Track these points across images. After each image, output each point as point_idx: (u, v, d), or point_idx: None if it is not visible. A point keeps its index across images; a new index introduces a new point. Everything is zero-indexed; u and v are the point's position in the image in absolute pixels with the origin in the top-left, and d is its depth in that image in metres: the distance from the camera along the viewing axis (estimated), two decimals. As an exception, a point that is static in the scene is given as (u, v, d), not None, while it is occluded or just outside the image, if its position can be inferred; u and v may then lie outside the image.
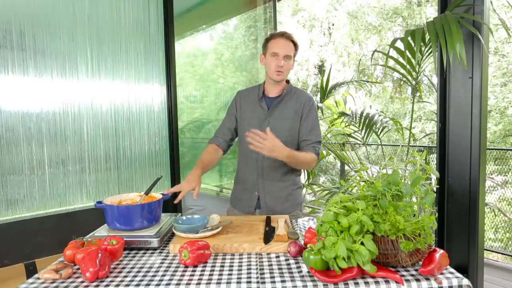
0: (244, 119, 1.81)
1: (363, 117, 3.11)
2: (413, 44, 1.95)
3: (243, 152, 1.84)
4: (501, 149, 5.20)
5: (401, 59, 2.27)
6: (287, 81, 1.84)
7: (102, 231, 1.33)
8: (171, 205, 1.56)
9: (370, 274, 0.99)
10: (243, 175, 1.84)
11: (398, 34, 11.88)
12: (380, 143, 3.26)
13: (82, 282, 1.01)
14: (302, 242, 1.25)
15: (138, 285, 0.99)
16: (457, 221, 1.83)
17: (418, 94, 2.58)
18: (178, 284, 0.99)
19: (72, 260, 1.14)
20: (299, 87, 2.53)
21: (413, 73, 2.34)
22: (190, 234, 1.27)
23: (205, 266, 1.11)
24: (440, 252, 1.04)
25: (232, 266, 1.11)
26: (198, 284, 0.99)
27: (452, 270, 1.04)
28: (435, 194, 1.09)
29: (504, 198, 4.69)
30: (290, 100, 1.76)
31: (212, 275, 1.04)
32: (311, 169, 2.30)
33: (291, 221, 1.55)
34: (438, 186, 1.88)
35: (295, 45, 1.73)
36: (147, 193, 1.44)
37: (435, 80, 2.22)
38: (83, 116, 2.16)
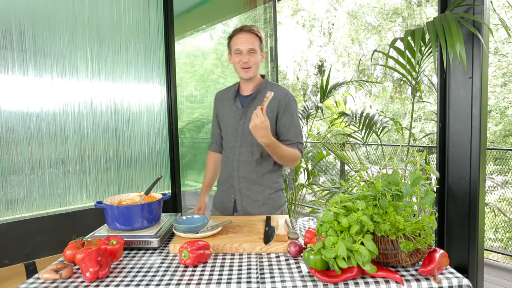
0: (222, 120, 1.78)
1: (363, 117, 3.11)
2: (413, 44, 1.95)
3: (223, 153, 1.82)
4: (501, 149, 5.21)
5: (401, 59, 2.27)
6: (263, 76, 1.76)
7: (102, 231, 1.33)
8: (171, 205, 1.56)
9: (370, 274, 0.99)
10: (222, 177, 1.79)
11: (398, 34, 11.88)
12: (380, 143, 3.26)
13: (82, 282, 1.01)
14: (302, 242, 1.25)
15: (138, 285, 0.99)
16: (457, 221, 1.83)
17: (418, 94, 2.58)
18: (178, 284, 0.99)
19: (72, 260, 1.14)
20: (298, 87, 2.50)
21: (413, 73, 2.34)
22: (190, 234, 1.27)
23: (205, 266, 1.11)
24: (440, 252, 1.04)
25: (232, 266, 1.11)
26: (198, 284, 0.99)
27: (452, 270, 1.04)
28: (435, 194, 1.09)
29: (504, 198, 4.69)
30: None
31: (212, 275, 1.05)
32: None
33: (291, 221, 1.55)
34: (438, 186, 1.88)
35: (259, 36, 1.65)
36: (147, 193, 1.44)
37: (435, 80, 2.22)
38: (83, 116, 2.16)
